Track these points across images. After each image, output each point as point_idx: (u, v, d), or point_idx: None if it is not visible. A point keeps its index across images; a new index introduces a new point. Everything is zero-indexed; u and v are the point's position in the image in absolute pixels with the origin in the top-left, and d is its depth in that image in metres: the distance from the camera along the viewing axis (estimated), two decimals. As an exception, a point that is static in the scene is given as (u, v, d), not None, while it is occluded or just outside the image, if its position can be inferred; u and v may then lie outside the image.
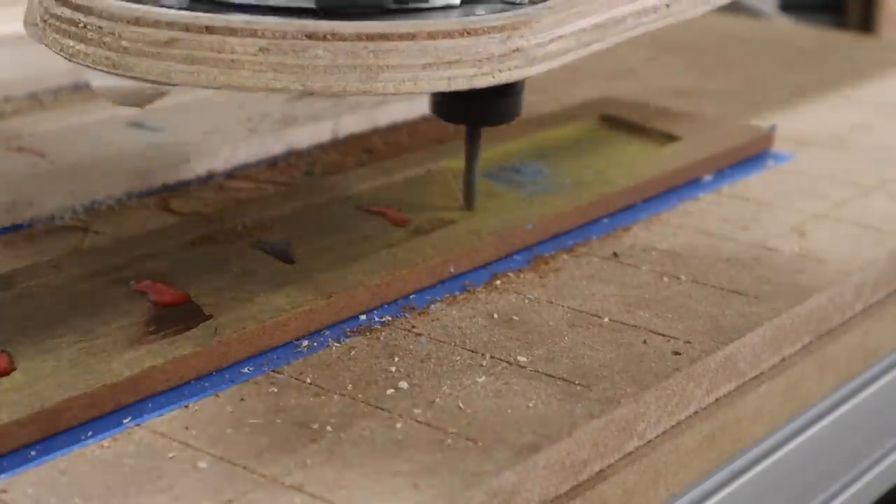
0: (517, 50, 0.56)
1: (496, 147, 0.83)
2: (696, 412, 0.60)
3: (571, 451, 0.53)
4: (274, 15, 0.56)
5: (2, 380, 0.54)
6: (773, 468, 0.66)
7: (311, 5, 0.57)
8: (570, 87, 0.99)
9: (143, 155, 0.79)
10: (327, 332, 0.61)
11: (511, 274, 0.68)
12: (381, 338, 0.61)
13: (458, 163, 0.80)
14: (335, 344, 0.60)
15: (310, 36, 0.53)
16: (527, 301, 0.65)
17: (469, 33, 0.55)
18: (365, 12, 0.57)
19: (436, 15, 0.58)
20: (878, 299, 0.72)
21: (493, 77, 0.56)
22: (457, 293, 0.66)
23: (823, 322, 0.68)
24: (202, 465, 0.51)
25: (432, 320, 0.63)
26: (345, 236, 0.69)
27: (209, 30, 0.54)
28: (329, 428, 0.53)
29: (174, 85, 0.55)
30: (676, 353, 0.60)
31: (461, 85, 0.55)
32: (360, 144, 0.86)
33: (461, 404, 0.55)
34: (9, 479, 0.49)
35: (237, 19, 0.54)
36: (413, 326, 0.62)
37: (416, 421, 0.54)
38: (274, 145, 0.84)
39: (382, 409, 0.55)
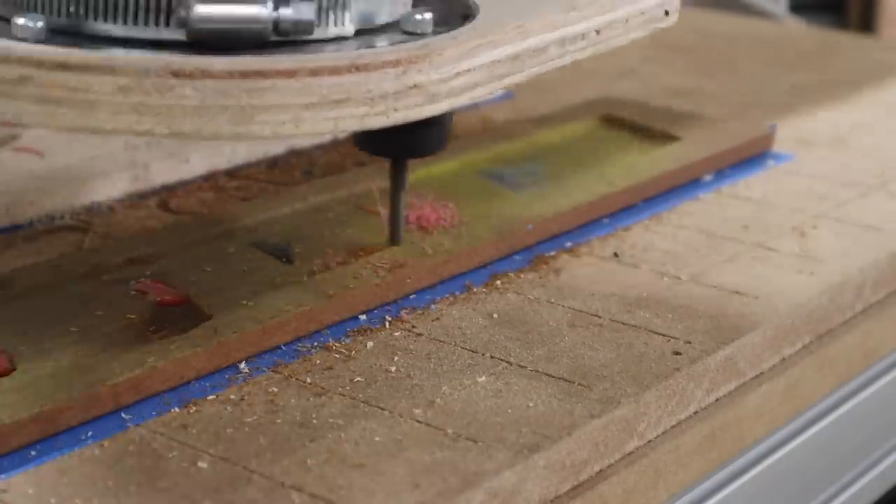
0: (415, 86, 0.51)
1: (496, 147, 0.83)
2: (696, 412, 0.60)
3: (571, 451, 0.53)
4: (143, 49, 0.51)
5: (2, 380, 0.54)
6: (773, 468, 0.66)
7: (183, 38, 0.52)
8: (570, 87, 0.99)
9: (143, 155, 0.79)
10: (327, 332, 0.61)
11: (511, 274, 0.68)
12: (381, 338, 0.61)
13: (457, 165, 0.80)
14: (335, 344, 0.60)
15: (175, 74, 0.48)
16: (527, 301, 0.65)
17: (358, 69, 0.50)
18: (242, 46, 0.51)
19: (325, 48, 0.53)
20: (878, 299, 0.72)
21: (388, 117, 0.51)
22: (457, 293, 0.66)
23: (823, 322, 0.68)
24: (202, 465, 0.51)
25: (432, 320, 0.63)
26: (345, 236, 0.69)
27: (64, 66, 0.48)
28: (329, 428, 0.53)
29: (28, 126, 0.50)
30: (676, 353, 0.60)
31: (350, 126, 0.50)
32: (361, 144, 0.86)
33: (461, 404, 0.55)
34: (9, 479, 0.49)
35: (95, 55, 0.49)
36: (413, 326, 0.62)
37: (416, 421, 0.54)
38: (274, 145, 0.84)
39: (382, 409, 0.55)
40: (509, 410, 0.55)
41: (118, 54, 0.50)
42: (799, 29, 1.30)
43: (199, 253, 0.67)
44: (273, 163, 0.83)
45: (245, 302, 0.61)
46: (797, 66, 1.11)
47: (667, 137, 0.86)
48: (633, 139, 0.87)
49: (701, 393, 0.60)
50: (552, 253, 0.71)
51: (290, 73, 0.49)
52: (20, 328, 0.59)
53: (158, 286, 0.63)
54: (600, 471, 0.55)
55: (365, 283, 0.63)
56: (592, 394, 0.56)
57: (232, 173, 0.81)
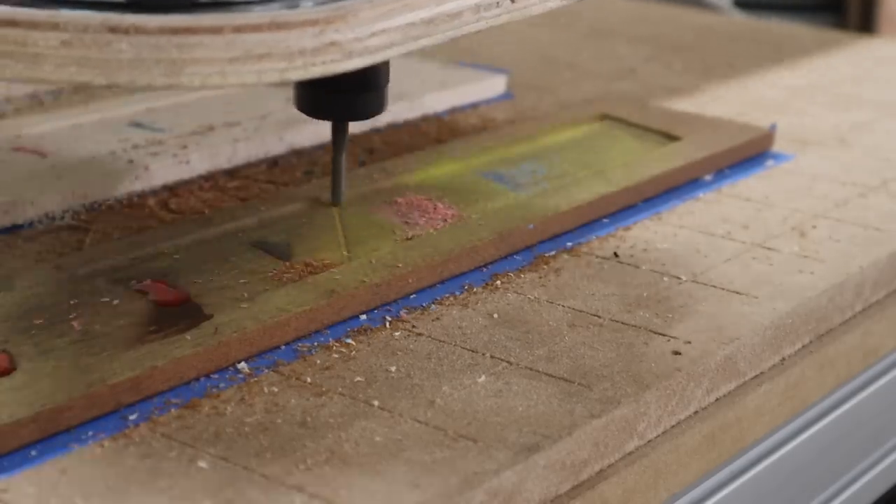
0: (332, 44, 0.55)
1: (496, 147, 0.83)
2: (696, 412, 0.60)
3: (571, 450, 0.53)
4: (87, 9, 0.54)
5: (2, 380, 0.54)
6: (773, 468, 0.66)
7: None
8: (570, 87, 0.99)
9: (143, 155, 0.79)
10: (327, 332, 0.61)
11: (511, 274, 0.68)
12: (381, 338, 0.61)
13: (457, 165, 0.80)
14: (335, 344, 0.60)
15: (112, 29, 0.52)
16: (527, 301, 0.65)
17: (279, 27, 0.54)
18: (175, 6, 0.55)
19: (254, 8, 0.57)
20: (878, 299, 0.72)
21: (306, 71, 0.55)
22: (457, 293, 0.66)
23: (823, 322, 0.68)
24: (202, 465, 0.51)
25: (432, 320, 0.63)
26: (345, 236, 0.69)
27: (12, 23, 0.52)
28: (329, 428, 0.53)
29: None
30: (676, 353, 0.60)
31: (272, 78, 0.54)
32: (360, 144, 0.86)
33: (461, 404, 0.55)
34: (9, 479, 0.49)
35: (40, 13, 0.53)
36: (413, 326, 0.62)
37: (417, 421, 0.54)
38: (274, 145, 0.84)
39: (382, 409, 0.55)
40: (509, 410, 0.55)
41: (62, 13, 0.53)
42: (797, 29, 1.30)
43: (199, 253, 0.67)
44: (273, 163, 0.83)
45: (245, 302, 0.61)
46: (797, 65, 1.11)
47: (667, 137, 0.86)
48: (633, 139, 0.87)
49: (701, 393, 0.60)
50: (552, 253, 0.71)
51: (217, 30, 0.53)
52: (20, 328, 0.59)
53: (158, 286, 0.63)
54: (600, 471, 0.55)
55: (365, 283, 0.63)
56: (592, 394, 0.56)
57: (232, 173, 0.81)
